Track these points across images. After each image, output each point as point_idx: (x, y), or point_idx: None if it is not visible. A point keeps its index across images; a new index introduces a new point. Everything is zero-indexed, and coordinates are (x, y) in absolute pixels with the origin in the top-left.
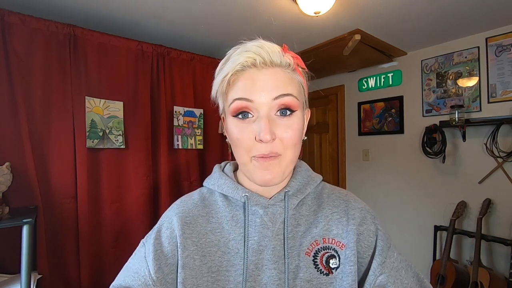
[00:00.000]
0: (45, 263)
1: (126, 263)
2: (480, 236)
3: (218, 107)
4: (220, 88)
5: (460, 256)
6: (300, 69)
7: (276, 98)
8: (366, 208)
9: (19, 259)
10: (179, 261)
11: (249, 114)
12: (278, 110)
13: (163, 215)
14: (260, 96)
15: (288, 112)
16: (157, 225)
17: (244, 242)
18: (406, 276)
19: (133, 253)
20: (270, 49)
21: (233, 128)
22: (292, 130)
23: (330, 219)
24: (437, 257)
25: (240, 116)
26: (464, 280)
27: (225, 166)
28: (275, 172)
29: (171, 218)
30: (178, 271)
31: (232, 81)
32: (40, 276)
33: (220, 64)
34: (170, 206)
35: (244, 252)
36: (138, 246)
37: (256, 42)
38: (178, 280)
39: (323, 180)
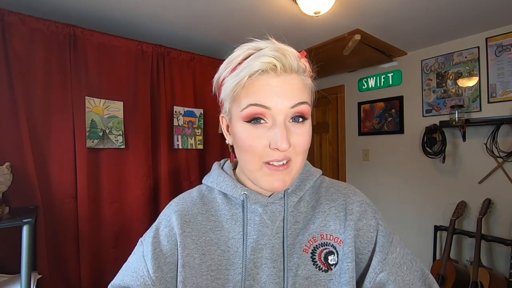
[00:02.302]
0: (45, 263)
1: (126, 262)
2: (480, 236)
3: (221, 106)
4: (233, 92)
5: (460, 256)
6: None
7: (294, 106)
8: (366, 202)
9: (19, 259)
10: (179, 260)
11: (262, 120)
12: (291, 117)
13: (162, 213)
14: (277, 103)
15: (301, 119)
16: (155, 223)
17: (243, 240)
18: (407, 272)
19: (132, 252)
20: (289, 54)
21: (243, 134)
22: (304, 137)
23: (327, 215)
24: (437, 257)
25: (252, 121)
26: (464, 280)
27: (224, 163)
28: (286, 180)
29: (169, 216)
30: (178, 270)
31: (247, 85)
32: (40, 276)
33: (226, 63)
34: (169, 204)
35: (243, 250)
36: (137, 245)
37: (274, 46)
38: (178, 279)
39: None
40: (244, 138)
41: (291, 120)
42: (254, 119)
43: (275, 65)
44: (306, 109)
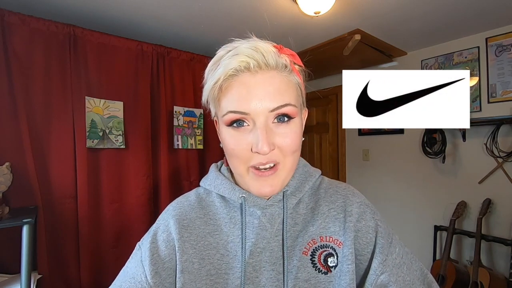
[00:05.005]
0: (45, 263)
1: (124, 266)
2: (480, 236)
3: (210, 111)
4: (211, 94)
5: (460, 256)
6: (296, 67)
7: (273, 110)
8: (365, 203)
9: (19, 259)
10: (177, 266)
11: (244, 123)
12: (275, 117)
13: (159, 217)
14: (256, 107)
15: (286, 119)
16: (153, 227)
17: (242, 244)
18: (408, 272)
19: (130, 257)
20: (265, 50)
21: (228, 138)
22: (290, 138)
23: (327, 216)
24: (437, 257)
25: (234, 124)
26: (464, 280)
27: (222, 165)
28: (274, 185)
29: (167, 221)
30: (177, 275)
31: (225, 87)
32: (40, 276)
33: (209, 65)
34: (166, 208)
35: (242, 254)
36: (135, 249)
37: (249, 44)
38: (177, 285)
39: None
40: (227, 142)
41: (275, 121)
42: (236, 122)
43: (248, 63)
44: (290, 110)
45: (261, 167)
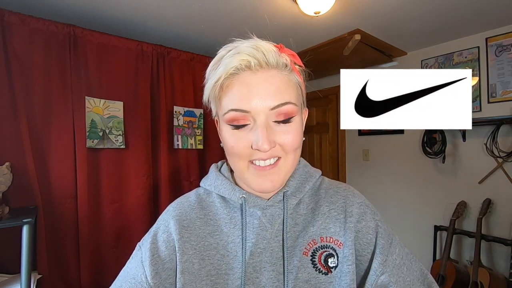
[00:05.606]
0: (45, 263)
1: (124, 267)
2: (480, 236)
3: (210, 110)
4: (213, 93)
5: (460, 256)
6: (297, 67)
7: (274, 108)
8: (365, 203)
9: (19, 259)
10: (178, 266)
11: (246, 122)
12: (276, 116)
13: (159, 217)
14: (256, 105)
15: (286, 120)
16: (153, 228)
17: (242, 244)
18: (408, 273)
19: (130, 257)
20: (266, 50)
21: (228, 136)
22: (291, 135)
23: (327, 217)
24: (437, 257)
25: (235, 123)
26: (464, 280)
27: (222, 165)
28: (274, 181)
29: (167, 221)
30: (178, 276)
31: (226, 86)
32: (40, 276)
33: (210, 65)
34: (166, 209)
35: (242, 255)
36: (135, 250)
37: (250, 43)
38: (178, 285)
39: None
40: (228, 140)
41: (276, 119)
42: (237, 121)
43: (249, 61)
44: (291, 109)
45: (261, 163)
